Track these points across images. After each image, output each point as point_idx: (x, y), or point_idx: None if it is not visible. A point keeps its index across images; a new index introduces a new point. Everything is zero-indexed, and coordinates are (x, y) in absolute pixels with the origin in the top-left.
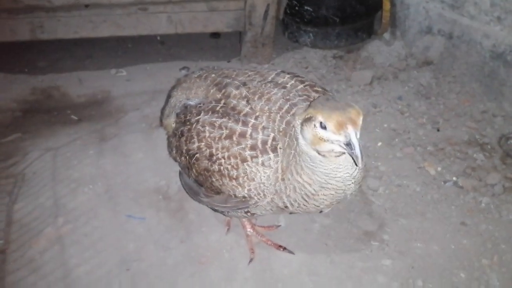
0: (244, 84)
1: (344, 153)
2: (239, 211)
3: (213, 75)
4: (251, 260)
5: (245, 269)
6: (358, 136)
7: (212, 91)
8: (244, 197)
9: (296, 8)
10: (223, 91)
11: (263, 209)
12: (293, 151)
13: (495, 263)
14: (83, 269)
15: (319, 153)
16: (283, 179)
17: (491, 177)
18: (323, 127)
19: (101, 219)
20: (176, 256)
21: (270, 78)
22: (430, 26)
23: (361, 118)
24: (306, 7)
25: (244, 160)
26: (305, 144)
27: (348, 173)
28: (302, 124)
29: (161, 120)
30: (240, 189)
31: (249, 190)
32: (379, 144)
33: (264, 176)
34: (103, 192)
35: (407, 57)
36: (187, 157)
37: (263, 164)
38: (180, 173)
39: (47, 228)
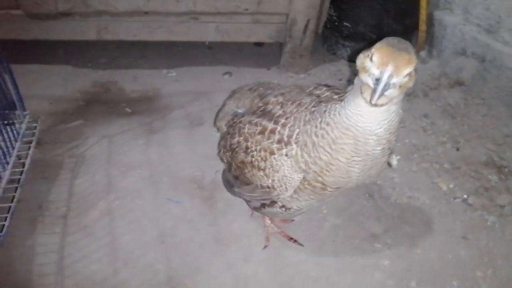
0: (282, 94)
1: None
2: (275, 206)
3: (260, 88)
4: (265, 247)
5: (259, 254)
6: (394, 81)
7: (256, 101)
8: (268, 187)
9: (336, 23)
10: (264, 99)
11: (303, 200)
12: (314, 122)
13: (488, 276)
14: (126, 238)
15: (361, 88)
16: (303, 148)
17: (502, 198)
18: (371, 59)
19: (144, 199)
20: (203, 236)
21: (308, 91)
22: (465, 48)
23: (409, 66)
24: (345, 23)
25: (272, 153)
26: (357, 76)
27: (369, 126)
28: (362, 53)
29: (215, 122)
30: (265, 179)
31: (273, 181)
32: (398, 157)
33: (287, 169)
34: (148, 177)
35: (440, 77)
36: (230, 152)
37: (286, 154)
38: (223, 171)
39: (100, 201)
